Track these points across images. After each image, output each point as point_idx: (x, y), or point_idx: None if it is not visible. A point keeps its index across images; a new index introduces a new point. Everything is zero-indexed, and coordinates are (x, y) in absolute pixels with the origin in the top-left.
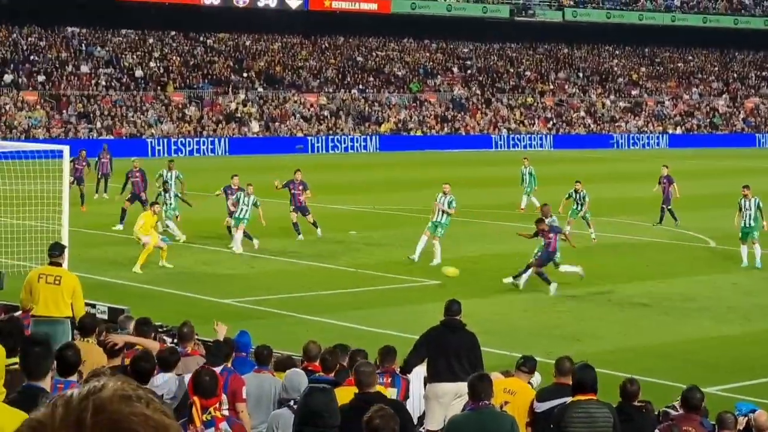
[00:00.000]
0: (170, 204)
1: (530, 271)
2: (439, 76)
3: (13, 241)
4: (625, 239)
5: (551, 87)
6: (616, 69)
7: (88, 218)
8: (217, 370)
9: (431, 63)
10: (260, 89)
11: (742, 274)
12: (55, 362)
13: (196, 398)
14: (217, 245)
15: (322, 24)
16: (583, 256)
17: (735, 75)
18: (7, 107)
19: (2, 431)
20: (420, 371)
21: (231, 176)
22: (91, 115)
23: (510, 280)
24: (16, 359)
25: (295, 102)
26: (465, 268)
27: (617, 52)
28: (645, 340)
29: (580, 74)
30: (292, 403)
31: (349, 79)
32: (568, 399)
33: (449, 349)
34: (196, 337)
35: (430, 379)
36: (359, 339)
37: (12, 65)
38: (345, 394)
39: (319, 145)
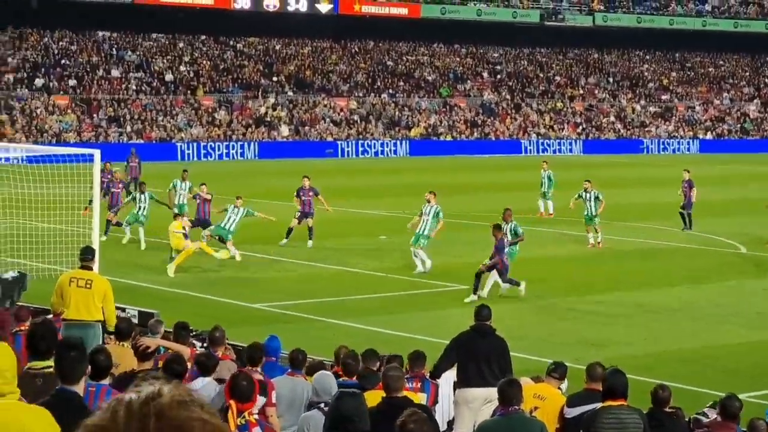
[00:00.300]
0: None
1: (501, 276)
2: (469, 81)
3: (43, 245)
4: (654, 244)
5: (581, 92)
6: (646, 74)
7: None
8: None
9: (461, 68)
10: (290, 93)
11: None
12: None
13: (232, 402)
14: (245, 249)
15: (352, 28)
16: (611, 261)
17: (766, 80)
18: (39, 111)
19: (23, 428)
20: (449, 376)
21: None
22: (122, 119)
23: (473, 297)
24: (50, 362)
25: (325, 106)
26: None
27: (647, 56)
28: (674, 345)
29: (610, 79)
30: (322, 405)
31: (379, 84)
32: (599, 405)
33: (479, 354)
34: (226, 341)
35: (459, 384)
36: (387, 344)
37: (43, 69)
38: (373, 398)
39: (349, 149)
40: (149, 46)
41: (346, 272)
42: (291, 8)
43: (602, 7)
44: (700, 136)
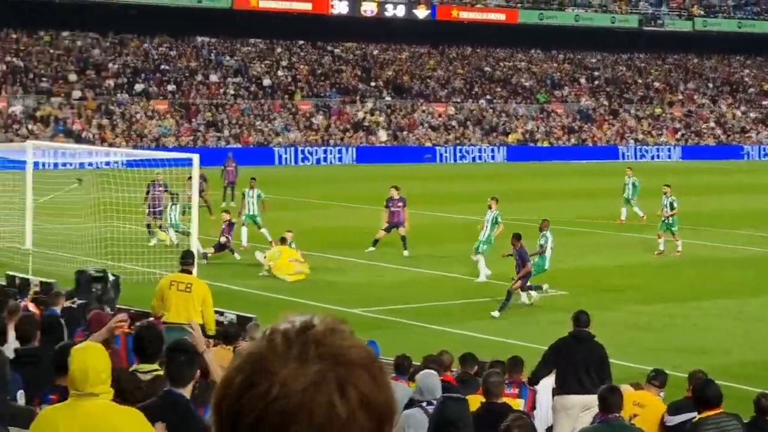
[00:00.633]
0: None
1: (514, 295)
2: (566, 87)
3: (141, 249)
4: (754, 252)
5: (680, 97)
6: (746, 79)
7: (217, 226)
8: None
9: (558, 74)
10: (388, 98)
11: None
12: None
13: None
14: (339, 254)
15: (450, 34)
16: (707, 268)
17: None
18: (138, 116)
19: (114, 429)
20: (548, 382)
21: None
22: (220, 123)
23: (496, 313)
24: (155, 365)
25: (423, 111)
26: (591, 279)
27: (748, 61)
28: None
29: (710, 84)
30: (424, 404)
31: (476, 90)
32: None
33: (578, 361)
34: None
35: (558, 390)
36: (484, 349)
37: (143, 75)
38: (472, 404)
39: (447, 155)
40: (247, 51)
41: (443, 277)
42: (388, 14)
43: (702, 12)
44: None
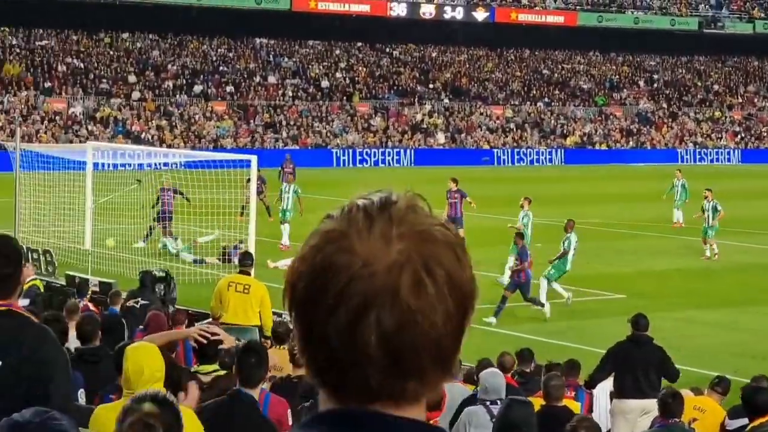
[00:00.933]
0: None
1: (523, 295)
2: (625, 90)
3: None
4: None
5: (740, 100)
6: None
7: (274, 228)
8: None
9: (617, 76)
10: (446, 101)
11: None
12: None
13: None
14: None
15: (508, 36)
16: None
17: None
18: (197, 117)
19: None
20: (606, 386)
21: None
22: (278, 125)
23: (493, 320)
24: (215, 366)
25: (481, 114)
26: (649, 282)
27: None
28: None
29: None
30: (488, 403)
31: (534, 92)
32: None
33: (636, 365)
34: None
35: (616, 394)
36: (540, 351)
37: (202, 76)
38: None
39: (505, 157)
40: (306, 52)
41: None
42: (447, 16)
43: (762, 15)
44: None
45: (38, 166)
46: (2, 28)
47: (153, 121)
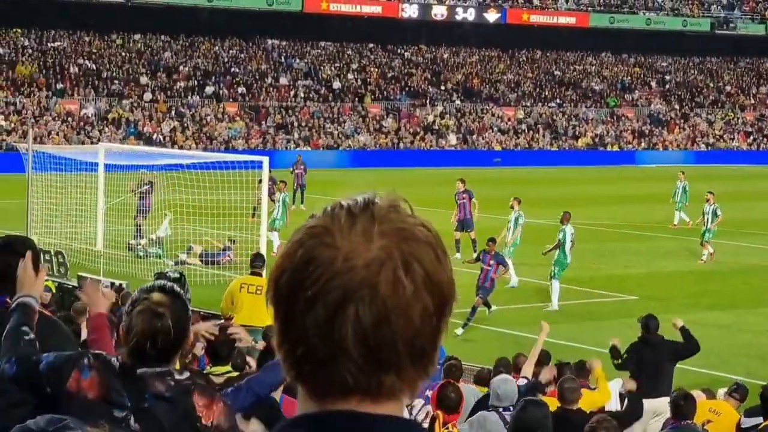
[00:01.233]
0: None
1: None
2: (636, 91)
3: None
4: None
5: (752, 101)
6: None
7: (287, 230)
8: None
9: (629, 77)
10: (458, 102)
11: None
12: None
13: (440, 412)
14: None
15: (520, 37)
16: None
17: None
18: (209, 118)
19: None
20: (616, 386)
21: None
22: (289, 126)
23: (460, 331)
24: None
25: (493, 115)
26: (661, 284)
27: None
28: None
29: None
30: (501, 409)
31: (546, 93)
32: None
33: (647, 366)
34: None
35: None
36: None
37: (213, 77)
38: None
39: (517, 159)
40: (317, 54)
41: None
42: (459, 17)
43: None
44: None
45: (50, 167)
46: (15, 30)
47: (165, 123)
